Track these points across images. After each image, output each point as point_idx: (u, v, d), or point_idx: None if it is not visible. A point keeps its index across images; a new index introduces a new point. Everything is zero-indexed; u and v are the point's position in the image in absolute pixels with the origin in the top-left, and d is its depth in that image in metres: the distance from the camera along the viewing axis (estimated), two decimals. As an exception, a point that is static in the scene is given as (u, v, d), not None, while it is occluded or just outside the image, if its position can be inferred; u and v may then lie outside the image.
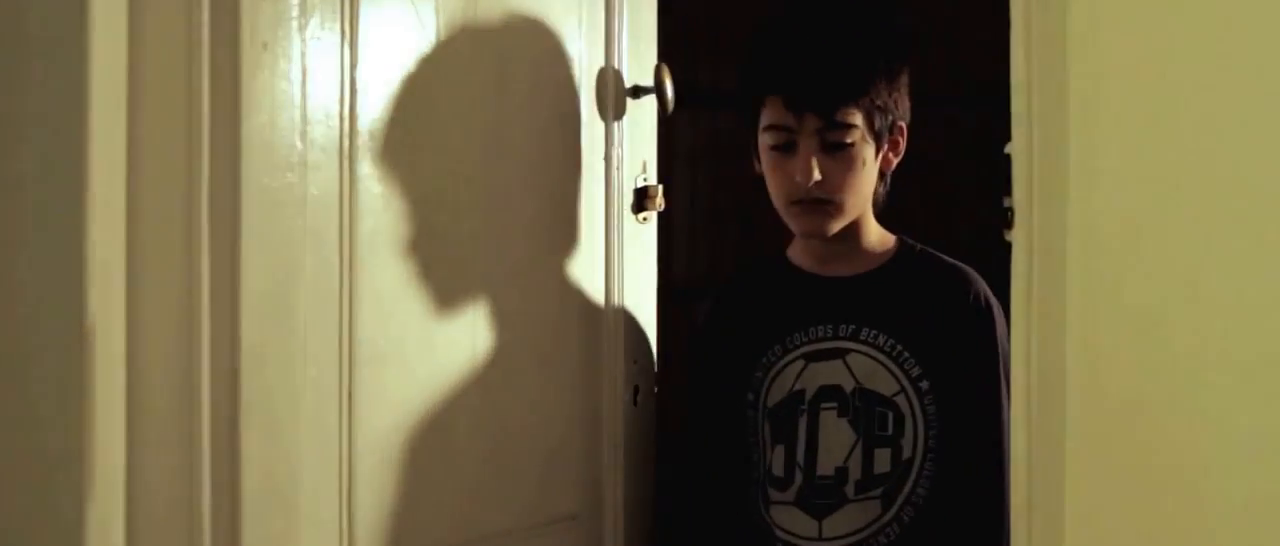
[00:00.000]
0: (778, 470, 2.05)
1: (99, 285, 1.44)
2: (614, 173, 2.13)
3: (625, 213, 2.16)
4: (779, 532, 2.06)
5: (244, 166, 1.53)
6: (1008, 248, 1.39)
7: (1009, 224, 1.39)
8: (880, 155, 2.06)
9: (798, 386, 2.06)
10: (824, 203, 2.04)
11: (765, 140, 2.08)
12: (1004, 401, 2.01)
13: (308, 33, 1.62)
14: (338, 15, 1.67)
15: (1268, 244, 1.22)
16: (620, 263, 2.15)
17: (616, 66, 2.13)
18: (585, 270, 2.09)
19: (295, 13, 1.60)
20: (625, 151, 2.15)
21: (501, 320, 1.95)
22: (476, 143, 1.91)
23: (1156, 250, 1.29)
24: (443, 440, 1.86)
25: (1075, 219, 1.32)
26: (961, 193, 2.97)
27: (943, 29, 3.18)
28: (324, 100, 1.66)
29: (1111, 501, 1.31)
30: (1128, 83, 1.30)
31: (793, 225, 2.10)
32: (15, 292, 1.46)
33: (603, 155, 2.12)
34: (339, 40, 1.67)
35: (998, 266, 1.46)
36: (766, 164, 2.09)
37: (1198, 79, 1.26)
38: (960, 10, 3.15)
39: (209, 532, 1.52)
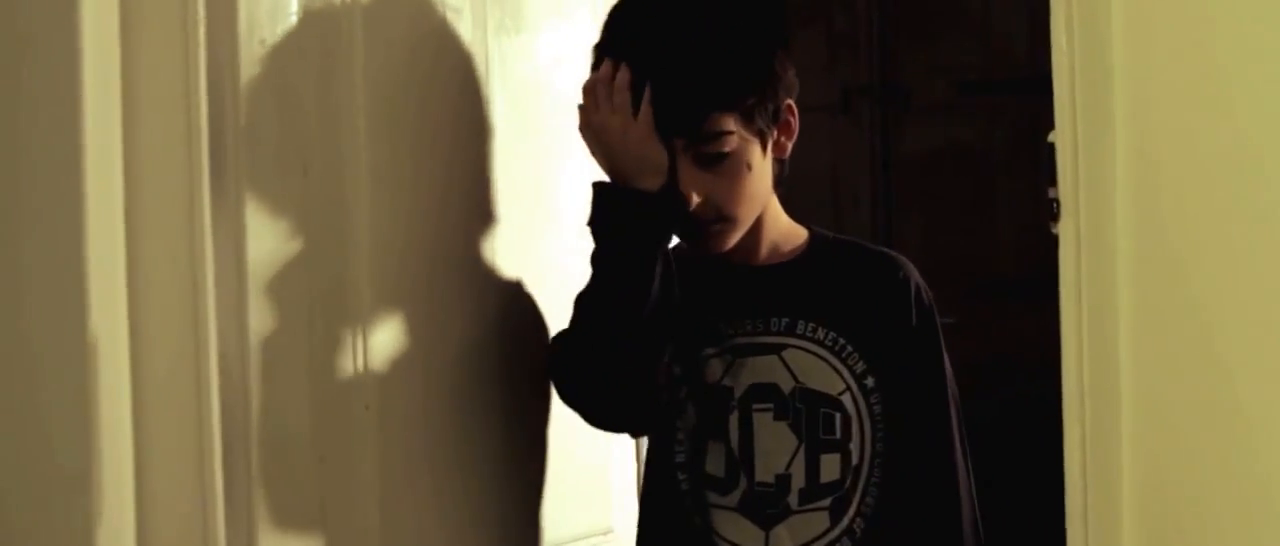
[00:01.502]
0: (715, 470, 1.92)
1: (99, 297, 1.41)
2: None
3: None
4: (719, 541, 1.91)
5: (246, 166, 1.51)
6: (1054, 241, 1.36)
7: (1055, 216, 1.35)
8: (769, 146, 1.88)
9: (724, 382, 1.91)
10: (716, 220, 1.87)
11: None
12: (951, 407, 1.93)
13: (310, 28, 1.59)
14: (341, 8, 1.64)
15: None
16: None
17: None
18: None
19: (295, 7, 1.57)
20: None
21: (526, 322, 1.91)
22: (487, 138, 1.89)
23: (1213, 240, 1.25)
24: (474, 453, 1.82)
25: (1125, 209, 1.28)
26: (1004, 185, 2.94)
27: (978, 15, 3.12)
28: (327, 96, 1.63)
29: (1170, 506, 1.28)
30: (1177, 61, 1.26)
31: (685, 242, 1.93)
32: (17, 306, 1.44)
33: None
34: (341, 34, 1.64)
35: (1045, 260, 1.43)
36: None
37: (1253, 54, 1.22)
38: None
39: (226, 553, 1.49)
